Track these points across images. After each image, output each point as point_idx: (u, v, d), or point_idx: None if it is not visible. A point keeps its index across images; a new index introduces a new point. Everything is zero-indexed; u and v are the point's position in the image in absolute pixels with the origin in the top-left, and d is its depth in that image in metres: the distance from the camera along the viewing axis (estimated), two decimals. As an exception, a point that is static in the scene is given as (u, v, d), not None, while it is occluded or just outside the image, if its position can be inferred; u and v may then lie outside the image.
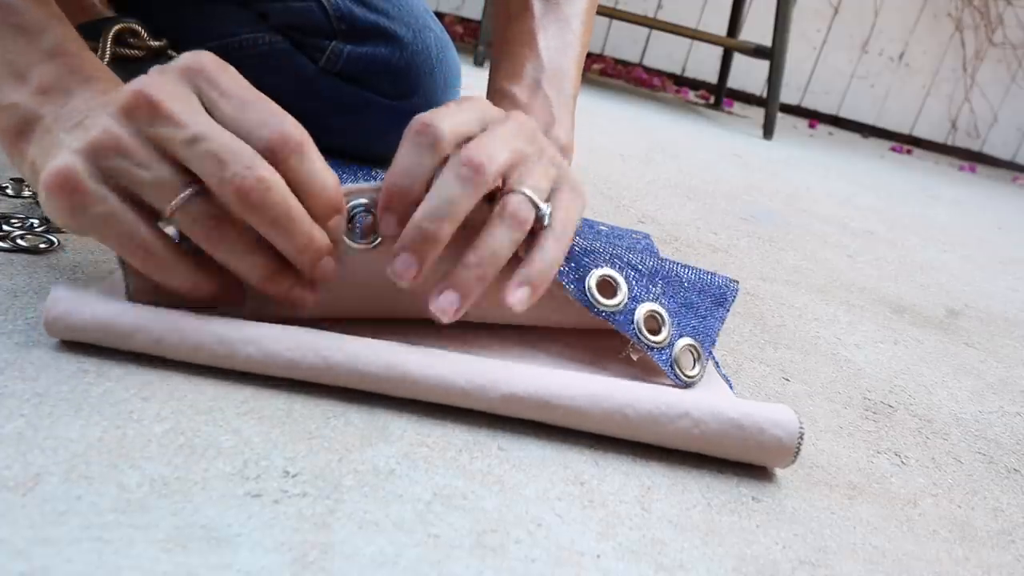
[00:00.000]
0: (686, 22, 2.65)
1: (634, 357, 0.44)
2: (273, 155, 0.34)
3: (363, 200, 0.38)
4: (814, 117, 2.90)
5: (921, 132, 3.00)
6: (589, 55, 2.67)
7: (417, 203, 0.36)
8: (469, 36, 2.49)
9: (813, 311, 0.68)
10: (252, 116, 0.34)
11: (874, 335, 0.66)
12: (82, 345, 0.35)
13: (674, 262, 0.46)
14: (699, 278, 0.46)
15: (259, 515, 0.28)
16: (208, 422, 0.32)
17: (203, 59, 0.35)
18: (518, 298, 0.36)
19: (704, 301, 0.45)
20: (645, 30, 2.71)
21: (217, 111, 0.34)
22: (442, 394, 0.37)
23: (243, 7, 0.67)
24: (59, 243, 0.44)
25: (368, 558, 0.27)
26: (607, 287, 0.42)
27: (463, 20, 2.63)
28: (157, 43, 0.63)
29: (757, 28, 2.60)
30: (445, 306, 0.36)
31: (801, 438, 0.38)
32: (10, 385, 0.31)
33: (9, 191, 0.50)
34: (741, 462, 0.39)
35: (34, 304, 0.38)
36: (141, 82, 0.34)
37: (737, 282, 0.48)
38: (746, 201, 1.09)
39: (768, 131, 1.94)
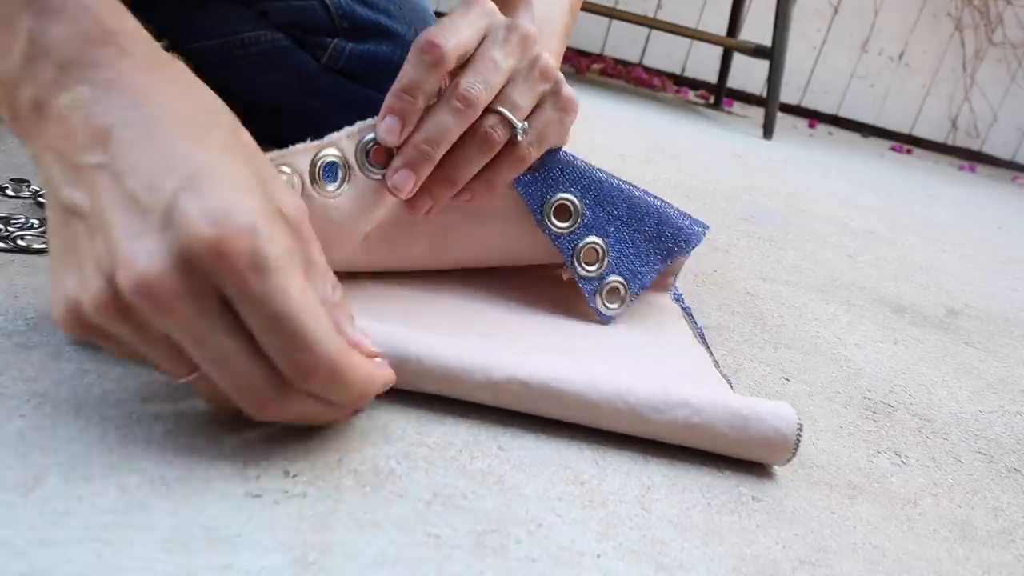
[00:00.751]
0: (686, 22, 2.64)
1: (564, 277, 0.49)
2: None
3: (371, 135, 0.41)
4: (814, 117, 2.90)
5: (921, 132, 3.00)
6: (589, 55, 2.67)
7: (416, 115, 0.40)
8: (469, 36, 2.48)
9: (813, 311, 0.68)
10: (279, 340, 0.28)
11: (874, 335, 0.66)
12: (82, 345, 0.35)
13: (651, 198, 0.50)
14: (665, 219, 0.49)
15: (259, 515, 0.28)
16: (208, 422, 0.32)
17: (235, 244, 0.26)
18: (463, 198, 0.43)
19: (653, 248, 0.49)
20: (645, 30, 2.71)
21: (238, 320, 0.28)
22: (439, 379, 0.37)
23: (244, 6, 0.67)
24: (59, 243, 0.44)
25: (368, 558, 0.27)
26: (564, 210, 0.47)
27: None
28: (157, 43, 0.63)
29: (757, 28, 2.60)
30: (398, 181, 0.40)
31: (800, 432, 0.38)
32: (10, 385, 0.31)
33: (9, 191, 0.50)
34: (740, 459, 0.39)
35: (34, 304, 0.38)
36: (140, 269, 0.26)
37: (707, 227, 0.51)
38: (746, 201, 1.09)
39: (768, 131, 1.94)
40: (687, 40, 2.72)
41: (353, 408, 0.32)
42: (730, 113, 2.38)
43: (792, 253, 0.87)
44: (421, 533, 0.29)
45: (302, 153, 0.41)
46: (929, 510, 0.40)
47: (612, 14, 1.97)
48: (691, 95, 2.64)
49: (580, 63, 2.44)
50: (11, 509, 0.26)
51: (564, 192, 0.47)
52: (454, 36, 0.40)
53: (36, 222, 0.46)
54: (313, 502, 0.29)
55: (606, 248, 0.48)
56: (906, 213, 1.38)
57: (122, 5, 0.30)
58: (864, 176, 1.74)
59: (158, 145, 0.27)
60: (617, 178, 0.49)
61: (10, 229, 0.44)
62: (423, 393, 0.38)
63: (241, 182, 0.28)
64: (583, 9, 1.92)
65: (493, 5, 0.43)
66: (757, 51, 2.01)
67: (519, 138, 0.43)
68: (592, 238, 0.47)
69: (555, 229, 0.47)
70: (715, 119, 2.09)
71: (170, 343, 0.28)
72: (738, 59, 2.46)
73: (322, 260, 0.31)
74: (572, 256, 0.47)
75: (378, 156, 0.41)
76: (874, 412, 0.51)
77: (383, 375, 0.32)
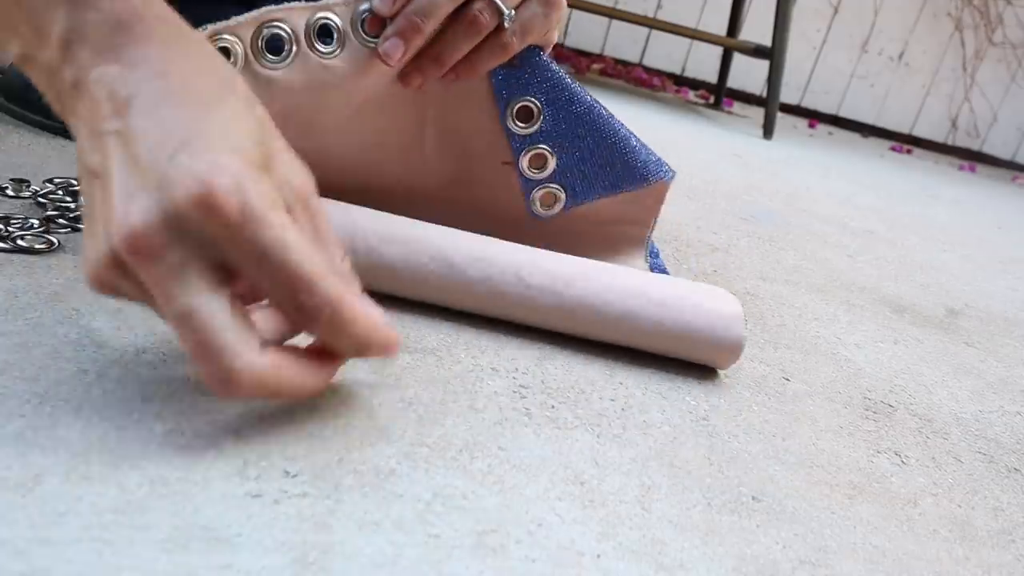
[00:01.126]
0: (686, 22, 2.64)
1: (510, 174, 0.52)
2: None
3: (367, 4, 0.44)
4: (814, 117, 2.90)
5: (921, 132, 3.00)
6: (589, 55, 2.67)
7: None
8: (469, 36, 2.48)
9: (813, 311, 0.68)
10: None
11: (874, 335, 0.66)
12: (82, 345, 0.35)
13: (620, 128, 0.52)
14: (625, 151, 0.52)
15: (259, 515, 0.28)
16: (208, 422, 0.32)
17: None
18: (449, 78, 0.47)
19: (601, 174, 0.52)
20: (645, 30, 2.71)
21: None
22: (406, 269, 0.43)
23: (244, 6, 0.67)
24: (59, 244, 0.44)
25: (368, 558, 0.27)
26: (526, 112, 0.50)
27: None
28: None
29: (757, 28, 2.60)
30: (388, 48, 0.44)
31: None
32: (10, 385, 0.31)
33: (9, 191, 0.50)
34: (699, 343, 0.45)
35: (34, 304, 0.38)
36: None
37: (673, 172, 0.54)
38: (746, 201, 1.09)
39: (768, 131, 1.94)
40: (687, 40, 2.72)
41: (354, 353, 0.32)
42: (730, 113, 2.38)
43: (792, 253, 0.87)
44: (421, 533, 0.29)
45: (299, 11, 0.44)
46: (929, 510, 0.40)
47: (612, 14, 1.97)
48: (691, 95, 2.64)
49: (580, 63, 2.44)
50: (11, 509, 0.26)
51: (531, 95, 0.49)
52: None
53: (36, 222, 0.46)
54: (313, 502, 0.29)
55: (553, 157, 0.51)
56: (906, 213, 1.38)
57: None
58: (864, 176, 1.74)
59: (169, 112, 0.29)
60: (593, 98, 0.51)
61: (10, 229, 0.44)
62: (422, 395, 0.38)
63: (240, 145, 0.29)
64: (583, 9, 1.93)
65: None
66: (757, 51, 2.00)
67: (505, 25, 0.46)
68: (544, 146, 0.51)
69: (514, 128, 0.50)
70: (715, 119, 2.09)
71: None
72: (738, 59, 2.46)
73: (330, 231, 0.32)
74: (519, 155, 0.51)
75: (372, 26, 0.44)
76: (874, 412, 0.51)
77: (386, 328, 0.32)
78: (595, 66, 2.57)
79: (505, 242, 0.47)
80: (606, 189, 0.52)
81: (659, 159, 0.54)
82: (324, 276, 0.30)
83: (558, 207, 0.52)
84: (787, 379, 0.52)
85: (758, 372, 0.52)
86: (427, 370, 0.41)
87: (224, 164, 0.28)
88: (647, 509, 0.34)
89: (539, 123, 0.50)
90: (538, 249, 0.47)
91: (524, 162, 0.51)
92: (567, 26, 2.65)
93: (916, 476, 0.44)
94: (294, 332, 0.34)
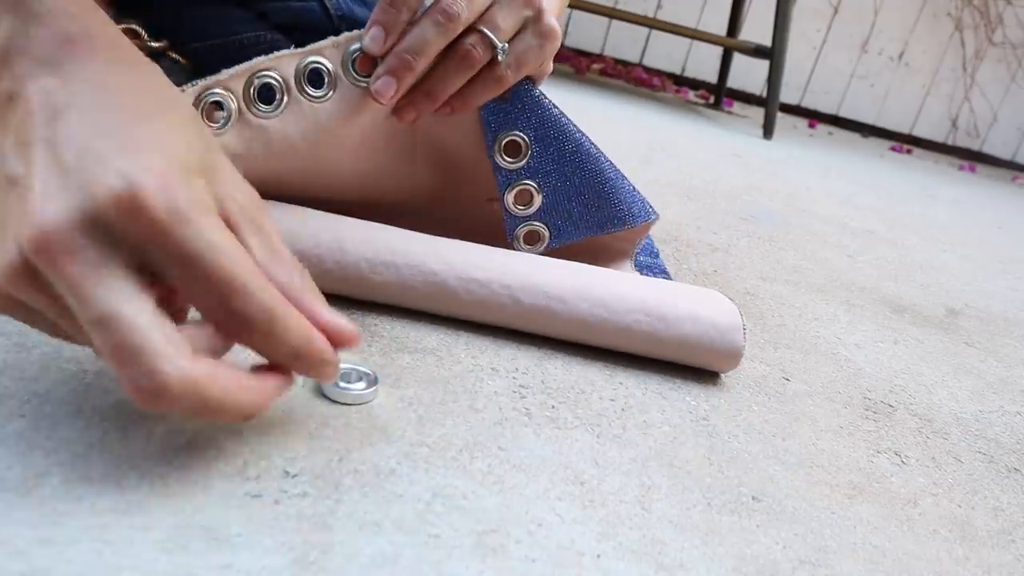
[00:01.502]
0: (686, 22, 2.65)
1: (495, 205, 0.51)
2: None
3: (357, 44, 0.44)
4: (814, 117, 2.90)
5: (921, 132, 3.00)
6: (589, 55, 2.67)
7: (400, 27, 0.43)
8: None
9: (813, 311, 0.68)
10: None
11: (874, 335, 0.66)
12: (82, 346, 0.35)
13: (609, 168, 0.51)
14: (612, 193, 0.52)
15: (259, 515, 0.28)
16: (208, 422, 0.32)
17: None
18: (444, 112, 0.47)
19: (586, 214, 0.52)
20: (645, 30, 2.71)
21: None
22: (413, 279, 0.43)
23: (243, 7, 0.67)
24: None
25: (368, 558, 0.27)
26: (514, 147, 0.49)
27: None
28: (157, 44, 0.63)
29: (757, 28, 2.60)
30: (380, 87, 0.44)
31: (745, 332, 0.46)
32: (10, 385, 0.31)
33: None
34: (702, 351, 0.46)
35: (34, 304, 0.38)
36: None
37: (656, 215, 0.54)
38: (746, 201, 1.09)
39: (768, 131, 1.94)
40: (687, 40, 2.72)
41: (291, 364, 0.30)
42: (730, 113, 2.38)
43: (792, 253, 0.87)
44: (421, 533, 0.29)
45: (287, 58, 0.44)
46: (929, 510, 0.40)
47: (612, 14, 1.97)
48: (691, 95, 2.64)
49: (580, 63, 2.44)
50: (11, 509, 0.26)
51: (520, 130, 0.49)
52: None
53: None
54: (313, 502, 0.29)
55: (539, 194, 0.50)
56: (906, 213, 1.38)
57: (100, 10, 0.31)
58: (864, 176, 1.74)
59: (103, 119, 0.28)
60: (585, 136, 0.51)
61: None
62: (422, 395, 0.38)
63: (175, 152, 0.28)
64: (583, 9, 1.93)
65: None
66: (757, 51, 2.01)
67: (499, 59, 0.45)
68: (530, 182, 0.50)
69: (501, 162, 0.49)
70: (715, 119, 2.09)
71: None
72: (738, 59, 2.46)
73: (284, 249, 0.31)
74: (504, 190, 0.50)
75: (363, 65, 0.44)
76: (874, 412, 0.51)
77: (322, 342, 0.30)
78: (595, 66, 2.57)
79: (497, 253, 0.47)
80: (590, 230, 0.52)
81: (643, 200, 0.54)
82: (260, 282, 0.28)
83: (541, 246, 0.52)
84: (787, 379, 0.52)
85: (758, 372, 0.52)
86: (427, 370, 0.41)
87: (153, 165, 0.26)
88: (647, 509, 0.34)
89: (527, 158, 0.49)
90: (530, 257, 0.47)
91: (509, 198, 0.50)
92: (567, 26, 2.65)
93: (916, 476, 0.44)
94: (225, 348, 0.30)
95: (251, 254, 0.29)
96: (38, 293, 0.26)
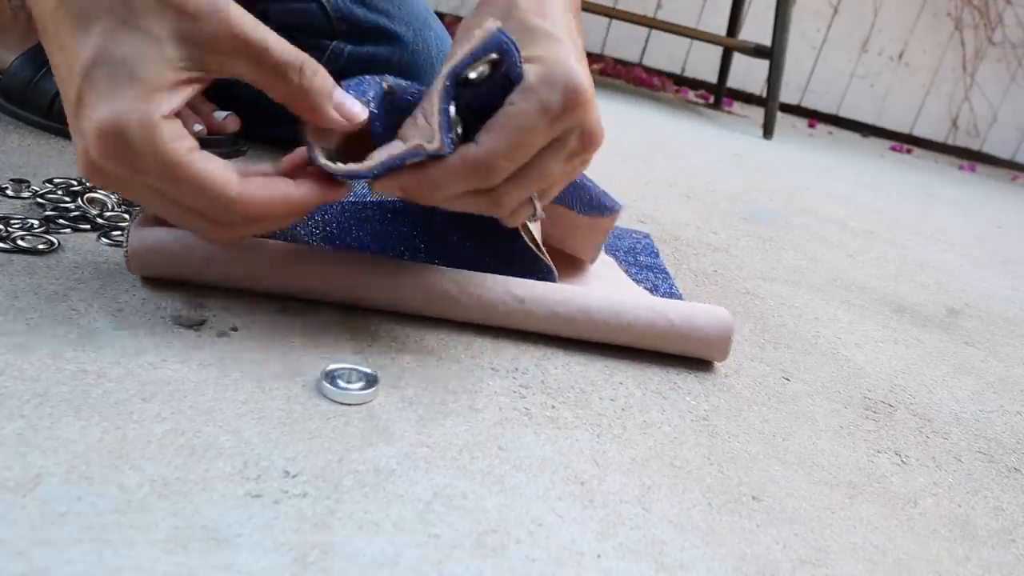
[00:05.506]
0: (686, 22, 2.64)
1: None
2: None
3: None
4: (814, 117, 2.90)
5: (921, 131, 3.00)
6: (589, 55, 2.67)
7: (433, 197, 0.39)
8: (469, 36, 2.48)
9: (813, 311, 0.68)
10: None
11: (874, 334, 0.66)
12: (82, 346, 0.35)
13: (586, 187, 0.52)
14: (587, 190, 0.52)
15: (259, 515, 0.28)
16: (208, 422, 0.32)
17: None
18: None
19: (576, 195, 0.51)
20: (645, 30, 2.71)
21: None
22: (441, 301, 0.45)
23: (242, 7, 0.67)
24: (59, 244, 0.44)
25: (368, 558, 0.27)
26: None
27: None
28: None
29: (757, 28, 2.60)
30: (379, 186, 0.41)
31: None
32: (10, 385, 0.31)
33: (9, 191, 0.50)
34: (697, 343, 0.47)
35: (34, 305, 0.38)
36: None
37: (621, 206, 0.55)
38: (746, 201, 1.09)
39: (768, 131, 1.94)
40: (687, 40, 2.72)
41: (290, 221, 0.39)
42: (730, 113, 2.38)
43: (792, 253, 0.87)
44: (421, 533, 0.29)
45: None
46: (929, 510, 0.40)
47: (612, 14, 1.97)
48: (691, 95, 2.64)
49: (580, 63, 2.43)
50: (11, 509, 0.26)
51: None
52: (510, 161, 0.37)
53: (36, 222, 0.46)
54: (313, 502, 0.29)
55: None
56: (906, 213, 1.38)
57: None
58: (864, 176, 1.74)
59: (64, 39, 0.33)
60: None
61: (10, 229, 0.44)
62: (422, 395, 0.38)
63: (128, 68, 0.32)
64: (583, 9, 1.93)
65: (570, 88, 0.37)
66: (757, 51, 2.00)
67: (536, 215, 0.42)
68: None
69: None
70: (715, 119, 2.09)
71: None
72: (738, 59, 2.46)
73: (279, 57, 0.36)
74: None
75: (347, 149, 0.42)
76: (874, 412, 0.51)
77: (301, 193, 0.37)
78: (595, 66, 2.57)
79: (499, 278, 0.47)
80: (573, 206, 0.52)
81: (608, 196, 0.54)
82: (223, 185, 0.35)
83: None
84: (787, 379, 0.52)
85: (758, 372, 0.52)
86: (427, 370, 0.41)
87: (108, 120, 0.32)
88: (647, 509, 0.34)
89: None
90: (531, 282, 0.47)
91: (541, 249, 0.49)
92: (567, 26, 2.64)
93: (916, 476, 0.44)
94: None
95: (248, 80, 0.35)
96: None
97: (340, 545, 0.27)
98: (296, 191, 0.37)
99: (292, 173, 0.38)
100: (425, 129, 0.37)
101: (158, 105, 0.32)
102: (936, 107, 2.96)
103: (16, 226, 0.45)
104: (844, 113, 2.94)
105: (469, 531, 0.30)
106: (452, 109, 0.37)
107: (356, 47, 0.68)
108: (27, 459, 0.28)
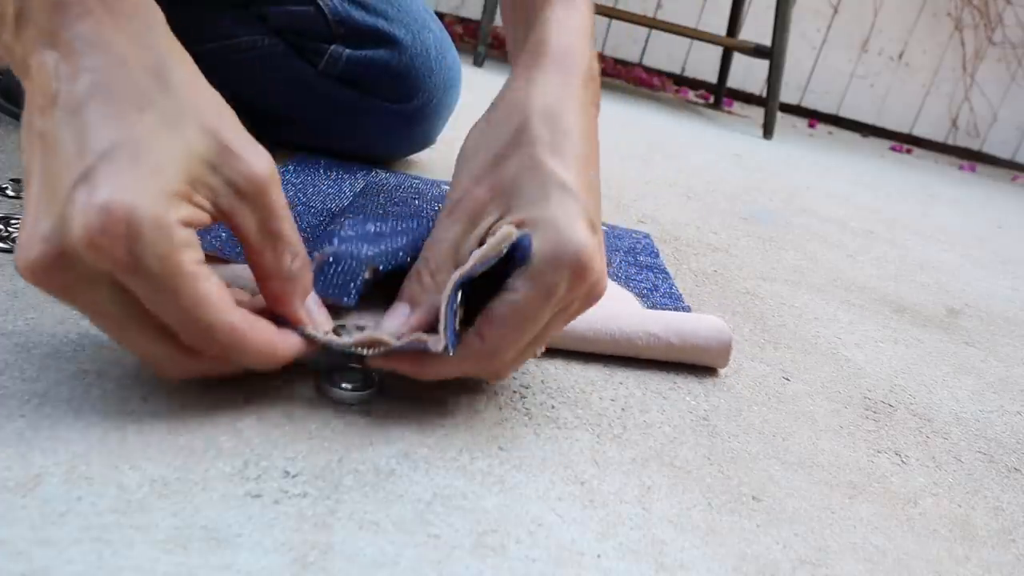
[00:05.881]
0: (686, 22, 2.65)
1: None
2: None
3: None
4: (814, 117, 2.90)
5: (921, 131, 3.00)
6: (589, 55, 2.67)
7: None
8: (469, 36, 2.49)
9: (813, 311, 0.68)
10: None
11: (874, 334, 0.66)
12: (82, 346, 0.35)
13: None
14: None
15: (259, 515, 0.28)
16: (208, 422, 0.32)
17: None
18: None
19: None
20: (645, 30, 2.71)
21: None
22: None
23: (242, 9, 0.67)
24: (59, 244, 0.44)
25: (368, 558, 0.27)
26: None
27: (463, 20, 2.63)
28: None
29: (757, 28, 2.60)
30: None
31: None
32: (10, 385, 0.31)
33: (9, 191, 0.50)
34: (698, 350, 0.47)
35: (34, 305, 0.38)
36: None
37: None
38: (746, 201, 1.09)
39: (768, 131, 1.94)
40: (687, 40, 2.72)
41: (262, 368, 0.33)
42: (730, 113, 2.38)
43: (792, 253, 0.87)
44: (421, 533, 0.29)
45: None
46: (929, 510, 0.40)
47: (612, 14, 1.97)
48: (691, 95, 2.64)
49: (580, 63, 2.43)
50: (11, 509, 0.26)
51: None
52: (515, 348, 0.35)
53: (36, 223, 0.46)
54: (313, 502, 0.29)
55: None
56: (906, 213, 1.38)
57: None
58: (864, 176, 1.74)
59: (88, 118, 0.28)
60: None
61: (10, 229, 0.44)
62: (422, 395, 0.38)
63: (159, 163, 0.29)
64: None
65: (585, 254, 0.34)
66: (757, 51, 2.01)
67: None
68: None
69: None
70: (715, 119, 2.09)
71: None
72: (738, 59, 2.46)
73: (284, 229, 0.32)
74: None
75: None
76: (874, 412, 0.51)
77: (285, 345, 0.33)
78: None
79: None
80: None
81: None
82: (218, 312, 0.30)
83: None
84: (787, 379, 0.52)
85: (758, 372, 0.52)
86: (427, 370, 0.41)
87: (120, 203, 0.27)
88: (647, 509, 0.34)
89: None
90: None
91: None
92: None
93: (916, 476, 0.44)
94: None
95: (244, 235, 0.31)
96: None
97: (340, 545, 0.27)
98: (280, 344, 0.33)
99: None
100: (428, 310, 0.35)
101: (177, 208, 0.29)
102: (936, 107, 2.97)
103: (16, 226, 0.45)
104: (844, 113, 2.94)
105: (469, 531, 0.30)
106: (457, 302, 0.35)
107: (354, 51, 0.68)
108: (27, 459, 0.28)
